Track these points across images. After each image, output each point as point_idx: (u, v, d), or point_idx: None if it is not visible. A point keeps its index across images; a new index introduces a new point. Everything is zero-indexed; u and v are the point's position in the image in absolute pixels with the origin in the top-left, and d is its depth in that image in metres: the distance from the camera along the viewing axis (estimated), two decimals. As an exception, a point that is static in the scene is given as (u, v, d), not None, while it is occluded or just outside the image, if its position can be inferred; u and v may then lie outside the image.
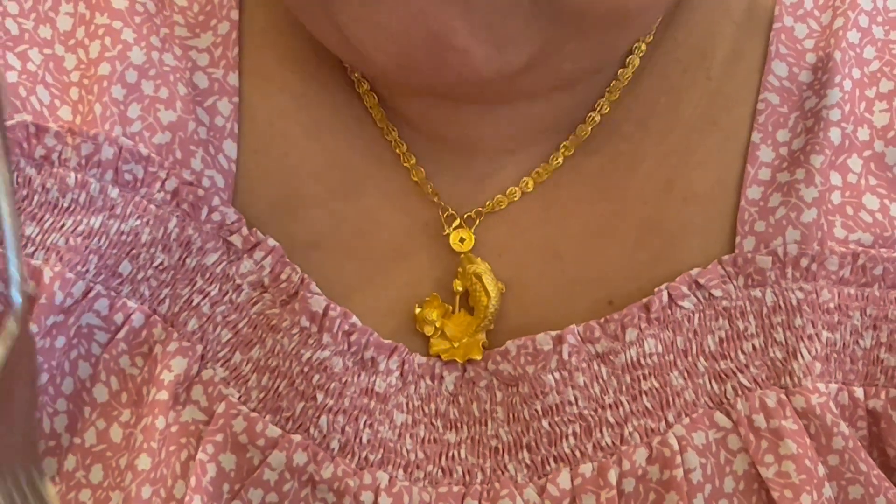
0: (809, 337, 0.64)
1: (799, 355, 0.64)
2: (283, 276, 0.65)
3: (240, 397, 0.64)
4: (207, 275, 0.66)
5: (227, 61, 0.67)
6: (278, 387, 0.65)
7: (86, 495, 0.65)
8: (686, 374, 0.64)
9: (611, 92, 0.67)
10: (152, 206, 0.65)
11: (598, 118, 0.67)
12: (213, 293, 0.65)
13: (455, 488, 0.65)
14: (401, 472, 0.65)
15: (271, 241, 0.65)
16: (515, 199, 0.67)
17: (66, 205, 0.65)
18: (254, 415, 0.64)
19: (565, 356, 0.63)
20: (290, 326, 0.64)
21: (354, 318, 0.64)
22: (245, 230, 0.65)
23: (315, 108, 0.69)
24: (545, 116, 0.67)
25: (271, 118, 0.67)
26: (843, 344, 0.66)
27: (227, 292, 0.66)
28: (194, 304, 0.65)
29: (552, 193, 0.67)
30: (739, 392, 0.64)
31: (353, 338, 0.64)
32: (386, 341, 0.64)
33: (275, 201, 0.67)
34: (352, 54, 0.61)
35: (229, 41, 0.68)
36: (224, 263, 0.66)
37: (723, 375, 0.65)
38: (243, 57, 0.68)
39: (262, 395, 0.64)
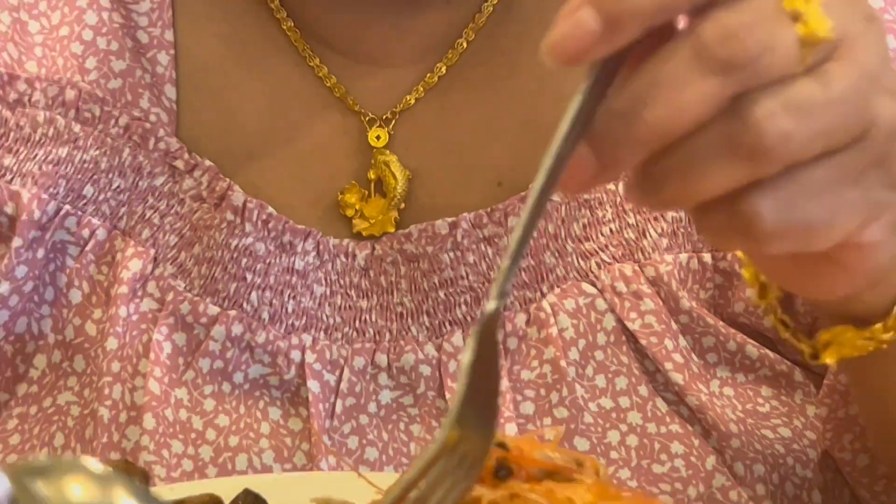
0: (656, 218, 0.81)
1: (647, 234, 0.81)
2: (217, 188, 0.81)
3: (185, 287, 0.80)
4: (157, 193, 0.81)
5: (163, 22, 0.83)
6: (215, 273, 0.80)
7: (73, 381, 0.80)
8: (557, 254, 0.79)
9: (486, 12, 0.83)
10: (108, 139, 0.81)
11: (472, 36, 0.82)
12: (161, 208, 0.81)
13: (367, 345, 0.81)
14: (322, 334, 0.80)
15: (207, 162, 0.80)
16: (415, 101, 0.82)
17: (37, 139, 0.81)
18: (196, 299, 0.80)
19: (459, 238, 0.79)
20: (219, 223, 0.80)
21: (270, 209, 0.79)
22: (186, 155, 0.81)
23: (242, 45, 0.84)
24: (436, 31, 0.82)
25: (205, 61, 0.84)
26: (689, 219, 0.80)
27: (173, 206, 0.82)
28: (146, 217, 0.81)
29: (446, 97, 0.83)
30: (601, 266, 0.80)
31: (270, 225, 0.79)
32: (300, 227, 0.79)
33: (212, 126, 0.83)
34: None
35: (164, 4, 0.84)
36: (170, 184, 0.81)
37: (587, 254, 0.81)
38: (177, 11, 0.84)
39: (202, 283, 0.80)
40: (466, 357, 0.55)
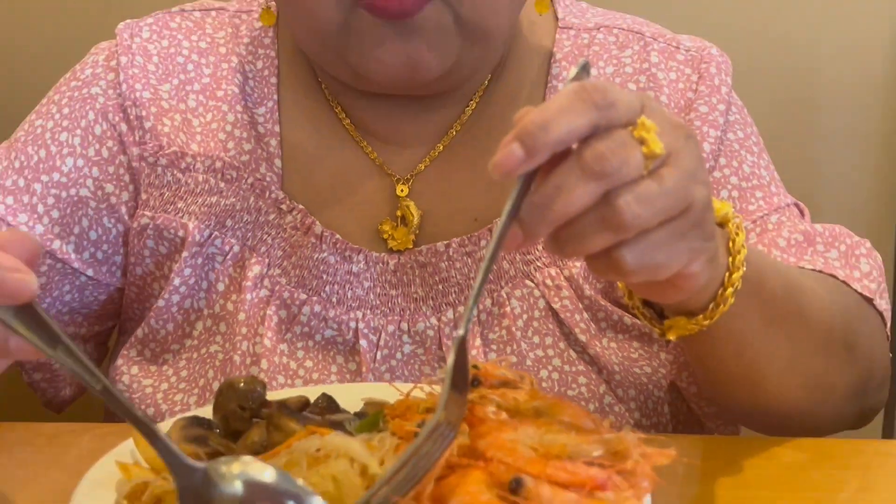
0: None
1: None
2: (306, 222, 0.96)
3: (286, 282, 0.97)
4: (269, 225, 0.98)
5: (273, 120, 1.00)
6: (304, 274, 0.97)
7: (218, 339, 0.97)
8: (510, 263, 0.96)
9: (471, 107, 0.99)
10: (241, 192, 0.97)
11: (459, 128, 0.99)
12: (272, 234, 0.98)
13: (395, 318, 0.97)
14: (368, 311, 0.97)
15: (300, 206, 0.97)
16: (424, 168, 0.99)
17: (197, 191, 0.97)
18: (292, 289, 0.97)
19: (451, 254, 0.96)
20: (306, 244, 0.97)
21: (338, 236, 0.96)
22: (287, 202, 0.97)
23: (319, 134, 1.00)
24: (436, 125, 0.99)
25: (297, 144, 1.00)
26: None
27: (279, 233, 0.97)
28: (263, 239, 0.97)
29: (443, 166, 0.99)
30: (537, 269, 0.96)
31: (337, 245, 0.96)
32: (355, 246, 0.96)
33: (302, 184, 0.99)
34: (353, 77, 0.93)
35: (275, 112, 1.00)
36: (277, 219, 0.97)
37: (528, 262, 0.97)
38: (282, 114, 1.00)
39: (296, 280, 0.97)
40: (449, 362, 0.64)
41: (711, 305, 0.74)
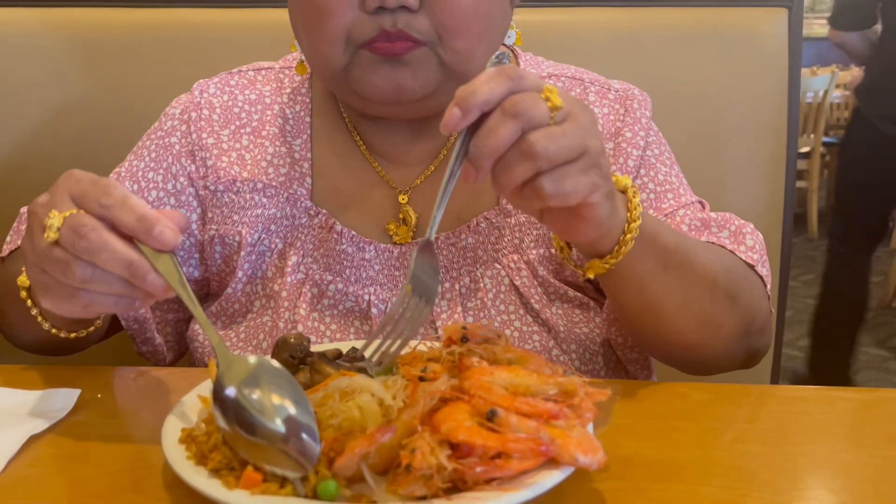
0: (529, 233, 1.00)
1: (524, 240, 1.00)
2: (330, 223, 1.00)
3: (316, 268, 1.00)
4: (302, 227, 1.02)
5: (307, 148, 1.04)
6: (329, 261, 1.01)
7: (269, 312, 1.01)
8: (483, 251, 0.99)
9: (453, 136, 0.99)
10: (279, 204, 1.02)
11: (450, 145, 1.01)
12: (304, 233, 1.02)
13: (397, 291, 0.99)
14: (378, 287, 1.01)
15: (324, 212, 1.01)
16: (420, 182, 1.03)
17: (246, 207, 1.02)
18: (321, 272, 1.00)
19: (440, 244, 0.99)
20: (330, 239, 1.01)
21: (354, 232, 0.99)
22: (315, 208, 1.01)
23: (341, 156, 1.04)
24: (429, 149, 1.03)
25: (323, 165, 1.03)
26: (543, 229, 1.00)
27: (310, 233, 1.01)
28: (298, 237, 1.02)
29: (433, 181, 1.02)
30: (504, 255, 0.98)
31: (354, 240, 1.00)
32: (367, 240, 1.00)
33: (328, 196, 1.03)
34: (357, 100, 0.97)
35: (307, 142, 1.04)
36: (308, 222, 1.02)
37: (496, 250, 0.98)
38: (313, 142, 1.04)
39: (324, 266, 1.00)
40: (414, 253, 0.73)
41: (616, 248, 0.80)
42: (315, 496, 0.63)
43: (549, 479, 0.64)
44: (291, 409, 0.66)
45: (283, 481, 0.63)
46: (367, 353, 0.77)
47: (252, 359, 0.70)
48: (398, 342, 0.75)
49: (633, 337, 0.98)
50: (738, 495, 0.68)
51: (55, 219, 0.70)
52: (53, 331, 0.89)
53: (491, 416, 0.64)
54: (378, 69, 0.92)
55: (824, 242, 3.48)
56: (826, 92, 5.52)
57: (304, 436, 0.64)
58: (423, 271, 0.73)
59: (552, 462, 0.65)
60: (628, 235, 0.80)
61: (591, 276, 0.83)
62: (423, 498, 0.62)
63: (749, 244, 0.96)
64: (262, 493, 0.62)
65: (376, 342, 0.76)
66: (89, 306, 0.72)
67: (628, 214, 0.80)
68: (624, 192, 0.81)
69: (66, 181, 0.73)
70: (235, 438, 0.66)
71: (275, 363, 0.70)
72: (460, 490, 0.63)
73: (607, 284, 0.88)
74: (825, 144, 5.76)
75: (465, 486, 0.63)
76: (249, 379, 0.68)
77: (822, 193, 6.02)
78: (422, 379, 0.70)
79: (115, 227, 0.71)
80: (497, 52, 0.75)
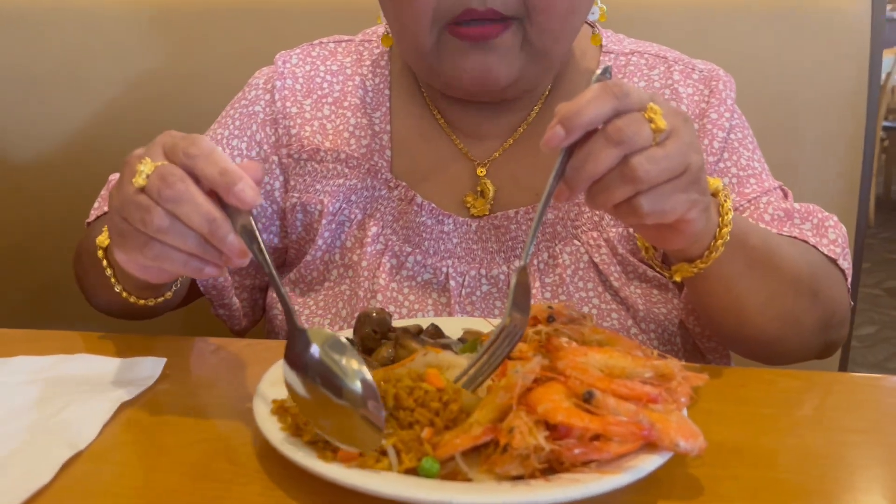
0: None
1: (604, 218, 1.00)
2: (409, 195, 1.01)
3: (396, 239, 1.01)
4: (382, 198, 1.03)
5: (386, 121, 1.04)
6: (409, 233, 1.01)
7: (347, 280, 1.02)
8: (563, 227, 0.98)
9: (534, 112, 1.03)
10: (360, 174, 1.03)
11: (525, 127, 1.02)
12: (384, 204, 1.02)
13: (476, 265, 1.01)
14: (456, 260, 1.01)
15: (404, 184, 1.01)
16: (498, 156, 1.02)
17: (329, 176, 1.02)
18: (400, 243, 1.01)
19: (518, 219, 1.00)
20: (409, 211, 1.02)
21: (433, 204, 1.00)
22: (394, 181, 1.02)
23: (420, 129, 1.05)
24: (508, 124, 1.03)
25: (403, 138, 1.04)
26: None
27: (389, 204, 1.02)
28: (378, 208, 1.02)
29: (511, 154, 1.03)
30: (583, 232, 0.98)
31: (433, 212, 1.01)
32: (446, 212, 1.01)
33: (407, 167, 1.03)
34: (441, 83, 0.98)
35: (387, 114, 1.05)
36: (387, 193, 1.02)
37: (575, 227, 0.98)
38: (392, 115, 1.04)
39: (403, 237, 1.01)
40: (512, 281, 0.70)
41: (706, 253, 0.79)
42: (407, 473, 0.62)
43: (649, 463, 0.62)
44: (367, 373, 0.66)
45: (378, 456, 0.63)
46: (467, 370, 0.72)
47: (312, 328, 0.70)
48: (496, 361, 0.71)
49: (713, 331, 0.98)
50: (840, 489, 0.66)
51: (146, 165, 0.70)
52: (124, 294, 0.89)
53: (588, 398, 0.63)
54: (467, 55, 0.92)
55: (881, 230, 3.31)
56: (889, 74, 5.32)
57: (373, 402, 0.64)
58: (520, 294, 0.70)
59: (648, 447, 0.63)
60: (719, 241, 0.79)
61: (677, 279, 0.82)
62: (519, 477, 0.61)
63: (831, 237, 0.95)
64: (359, 466, 0.62)
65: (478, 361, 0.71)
66: (159, 258, 0.70)
67: (720, 220, 0.79)
68: (715, 195, 0.79)
69: (163, 136, 0.73)
70: (314, 408, 0.65)
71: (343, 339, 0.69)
72: (556, 471, 0.61)
73: (693, 285, 0.87)
74: (885, 129, 5.57)
75: (561, 468, 0.62)
76: (331, 341, 0.67)
77: (879, 179, 5.88)
78: (509, 358, 0.68)
79: (200, 183, 0.70)
80: (602, 66, 0.75)
